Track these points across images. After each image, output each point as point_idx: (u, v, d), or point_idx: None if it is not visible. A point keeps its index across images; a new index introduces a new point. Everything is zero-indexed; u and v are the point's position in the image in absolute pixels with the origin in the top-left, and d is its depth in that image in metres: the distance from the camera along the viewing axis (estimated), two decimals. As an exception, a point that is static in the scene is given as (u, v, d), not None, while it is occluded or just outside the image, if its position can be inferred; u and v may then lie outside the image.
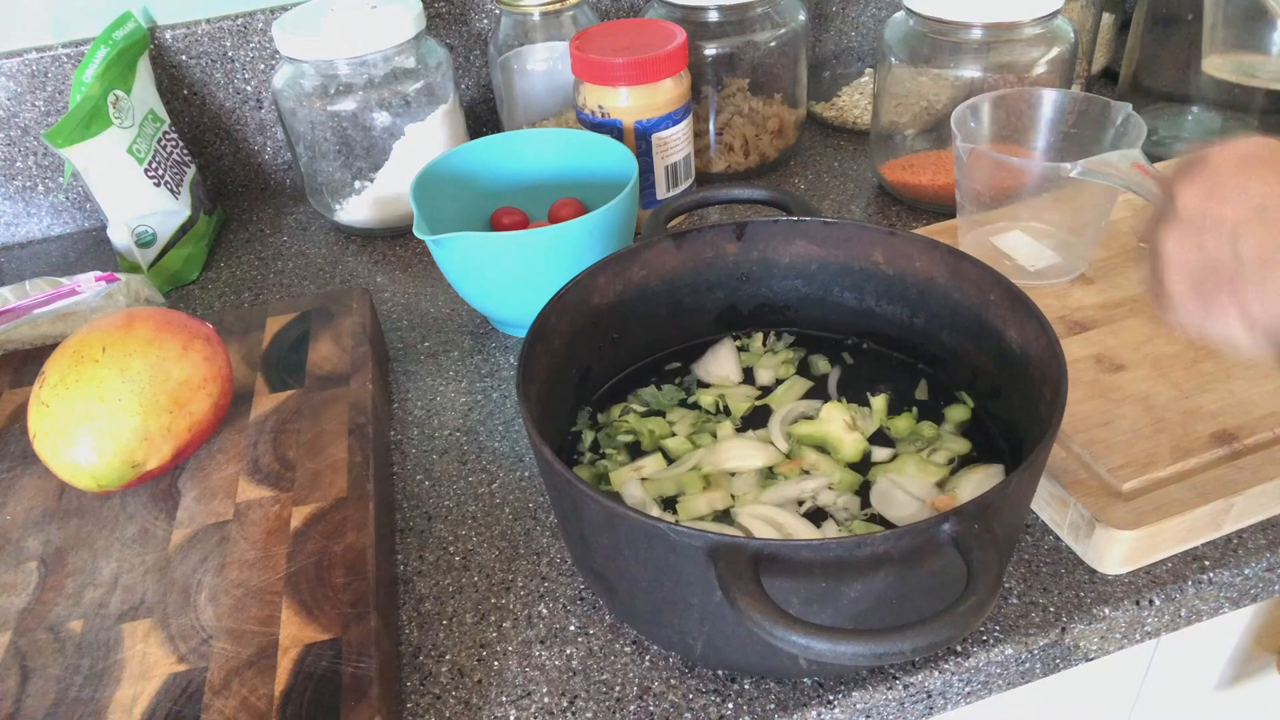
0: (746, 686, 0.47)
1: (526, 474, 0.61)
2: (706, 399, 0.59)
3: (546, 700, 0.48)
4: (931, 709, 0.49)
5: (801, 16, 0.87)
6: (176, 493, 0.55)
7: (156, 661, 0.46)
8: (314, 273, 0.83)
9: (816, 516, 0.52)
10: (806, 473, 0.54)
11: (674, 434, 0.57)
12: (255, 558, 0.50)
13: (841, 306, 0.62)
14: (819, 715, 0.46)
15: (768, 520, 0.51)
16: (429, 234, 0.64)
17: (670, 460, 0.56)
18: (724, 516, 0.52)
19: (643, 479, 0.54)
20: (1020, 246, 0.68)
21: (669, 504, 0.53)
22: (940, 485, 0.52)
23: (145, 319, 0.56)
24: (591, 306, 0.58)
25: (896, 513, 0.51)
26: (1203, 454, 0.53)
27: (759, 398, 0.59)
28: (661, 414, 0.59)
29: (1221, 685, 0.69)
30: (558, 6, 0.83)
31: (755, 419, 0.58)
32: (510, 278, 0.65)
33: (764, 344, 0.63)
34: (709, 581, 0.40)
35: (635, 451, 0.57)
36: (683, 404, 0.60)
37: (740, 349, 0.63)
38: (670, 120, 0.77)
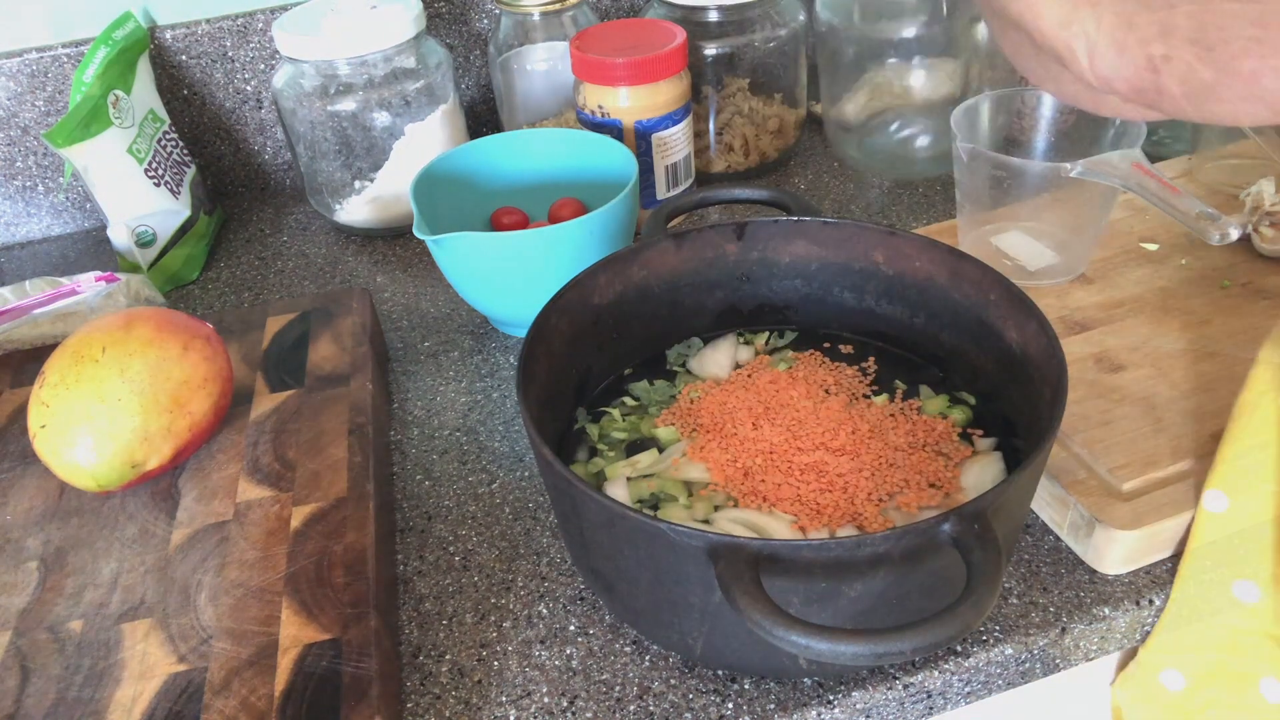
0: (746, 686, 0.47)
1: (526, 474, 0.61)
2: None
3: (546, 700, 0.48)
4: (931, 709, 0.49)
5: (801, 16, 0.87)
6: (176, 493, 0.55)
7: (156, 661, 0.46)
8: (314, 273, 0.83)
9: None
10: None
11: (658, 427, 0.57)
12: (255, 558, 0.50)
13: (842, 306, 0.62)
14: (819, 715, 0.46)
15: (745, 524, 0.50)
16: (429, 234, 0.64)
17: (662, 450, 0.56)
18: (704, 524, 0.51)
19: (629, 479, 0.54)
20: (1020, 246, 0.68)
21: (651, 508, 0.52)
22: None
23: (145, 319, 0.56)
24: (591, 306, 0.58)
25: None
26: (1203, 454, 0.53)
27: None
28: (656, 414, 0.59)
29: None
30: (558, 6, 0.83)
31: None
32: (510, 278, 0.65)
33: (766, 343, 0.63)
34: (709, 581, 0.40)
35: (633, 450, 0.57)
36: (675, 399, 0.59)
37: (745, 344, 0.63)
38: (670, 120, 0.77)
